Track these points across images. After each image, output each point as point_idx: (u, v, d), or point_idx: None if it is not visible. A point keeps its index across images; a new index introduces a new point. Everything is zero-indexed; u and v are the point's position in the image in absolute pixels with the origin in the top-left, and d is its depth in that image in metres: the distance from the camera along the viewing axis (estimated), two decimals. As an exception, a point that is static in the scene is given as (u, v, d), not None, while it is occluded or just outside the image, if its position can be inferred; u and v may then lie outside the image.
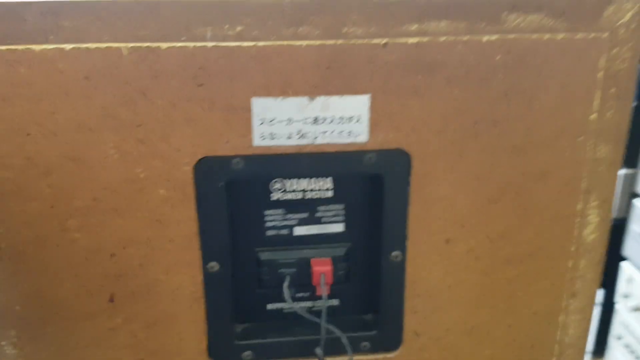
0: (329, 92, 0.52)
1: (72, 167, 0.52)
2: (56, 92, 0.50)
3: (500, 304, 0.62)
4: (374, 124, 0.54)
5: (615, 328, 1.73)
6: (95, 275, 0.56)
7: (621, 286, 1.68)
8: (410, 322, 0.62)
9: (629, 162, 1.67)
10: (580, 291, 0.62)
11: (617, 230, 1.73)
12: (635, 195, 1.65)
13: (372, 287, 0.62)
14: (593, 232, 0.60)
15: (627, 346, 1.68)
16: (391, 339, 0.62)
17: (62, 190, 0.53)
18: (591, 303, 0.63)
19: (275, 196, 0.59)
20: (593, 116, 0.56)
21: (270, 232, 0.60)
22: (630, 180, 1.68)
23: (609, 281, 1.77)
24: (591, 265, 0.61)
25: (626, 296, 1.66)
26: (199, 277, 0.57)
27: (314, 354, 0.61)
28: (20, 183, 0.52)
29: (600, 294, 1.78)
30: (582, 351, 0.64)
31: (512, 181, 0.58)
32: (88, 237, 0.54)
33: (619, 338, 1.71)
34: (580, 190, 0.58)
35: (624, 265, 1.66)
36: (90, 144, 0.52)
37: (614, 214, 1.71)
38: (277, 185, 0.58)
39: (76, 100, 0.50)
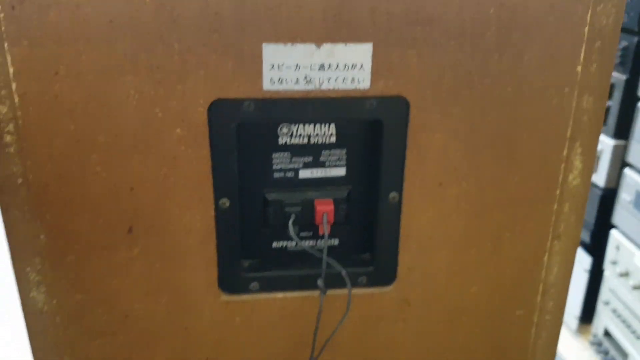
0: (334, 40, 0.57)
1: (95, 106, 0.56)
2: (82, 35, 0.54)
3: (488, 245, 0.66)
4: (376, 72, 0.58)
5: (603, 294, 1.79)
6: (114, 208, 0.60)
7: (610, 253, 1.73)
8: (404, 259, 0.66)
9: (619, 134, 1.72)
10: (564, 233, 0.66)
11: (608, 200, 1.78)
12: (625, 165, 1.70)
13: (369, 228, 0.67)
14: (577, 177, 0.64)
15: (614, 311, 1.74)
16: (386, 275, 0.67)
17: (85, 127, 0.57)
18: (575, 245, 0.67)
19: (282, 140, 0.63)
20: (578, 69, 0.60)
21: (277, 174, 0.65)
22: (621, 152, 1.73)
23: (597, 249, 1.82)
24: (575, 208, 0.66)
25: (614, 263, 1.71)
26: (211, 213, 0.62)
27: (316, 287, 0.65)
28: (47, 120, 0.56)
29: (588, 262, 1.83)
30: (565, 290, 0.69)
31: (502, 129, 0.62)
32: (109, 172, 0.59)
33: (607, 303, 1.77)
34: (566, 138, 0.63)
35: (613, 233, 1.72)
36: (112, 85, 0.56)
37: (605, 184, 1.76)
38: (284, 130, 0.62)
39: (100, 43, 0.54)
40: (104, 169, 0.58)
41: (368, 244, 0.68)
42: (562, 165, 0.64)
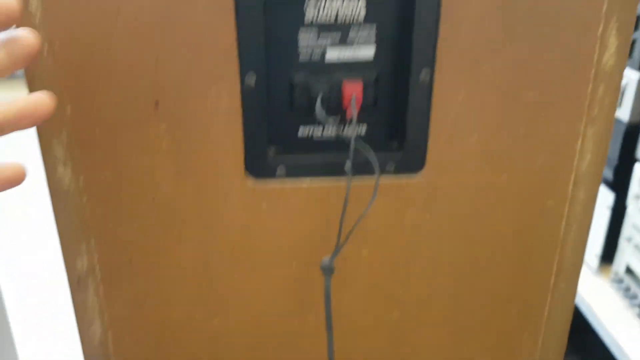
0: None
1: (120, -26, 0.55)
2: None
3: (520, 128, 0.65)
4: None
5: (626, 230, 1.77)
6: (140, 80, 0.59)
7: (634, 187, 1.71)
8: (434, 145, 0.65)
9: (646, 67, 1.68)
10: (598, 117, 0.65)
11: (632, 136, 1.75)
12: (651, 98, 1.67)
13: (399, 113, 0.65)
14: (612, 56, 0.62)
15: (636, 246, 1.72)
16: (415, 162, 0.66)
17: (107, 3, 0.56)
18: (609, 129, 0.65)
19: (309, 17, 0.61)
20: (617, -62, 0.58)
21: (303, 55, 0.63)
22: (646, 86, 1.69)
23: (621, 186, 1.79)
24: (609, 90, 0.64)
25: (638, 197, 1.69)
26: (237, 90, 0.60)
27: (343, 173, 0.64)
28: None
29: (611, 198, 1.81)
30: (597, 179, 0.67)
31: (537, 6, 0.60)
32: (134, 45, 0.58)
33: (629, 240, 1.75)
34: (602, 15, 0.61)
35: (637, 167, 1.69)
36: (137, -50, 0.55)
37: (630, 118, 1.73)
38: (311, 5, 0.61)
39: None
40: (129, 43, 0.57)
41: (397, 130, 0.66)
42: (597, 44, 0.62)
